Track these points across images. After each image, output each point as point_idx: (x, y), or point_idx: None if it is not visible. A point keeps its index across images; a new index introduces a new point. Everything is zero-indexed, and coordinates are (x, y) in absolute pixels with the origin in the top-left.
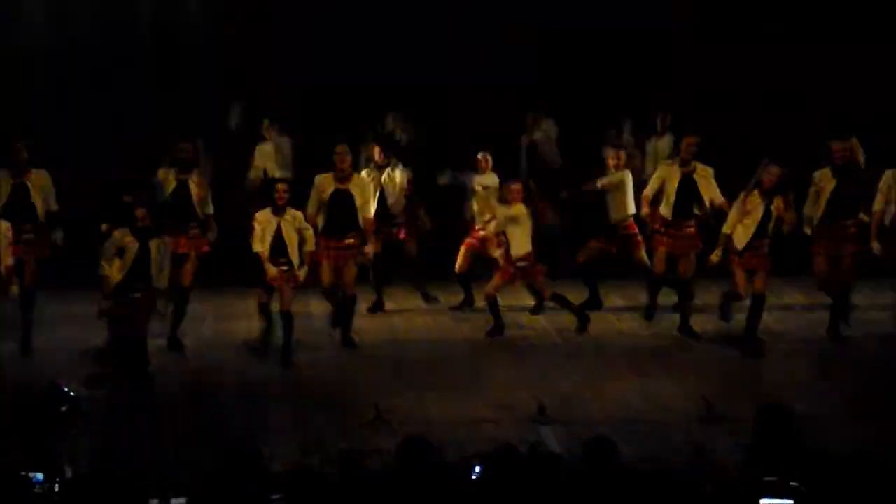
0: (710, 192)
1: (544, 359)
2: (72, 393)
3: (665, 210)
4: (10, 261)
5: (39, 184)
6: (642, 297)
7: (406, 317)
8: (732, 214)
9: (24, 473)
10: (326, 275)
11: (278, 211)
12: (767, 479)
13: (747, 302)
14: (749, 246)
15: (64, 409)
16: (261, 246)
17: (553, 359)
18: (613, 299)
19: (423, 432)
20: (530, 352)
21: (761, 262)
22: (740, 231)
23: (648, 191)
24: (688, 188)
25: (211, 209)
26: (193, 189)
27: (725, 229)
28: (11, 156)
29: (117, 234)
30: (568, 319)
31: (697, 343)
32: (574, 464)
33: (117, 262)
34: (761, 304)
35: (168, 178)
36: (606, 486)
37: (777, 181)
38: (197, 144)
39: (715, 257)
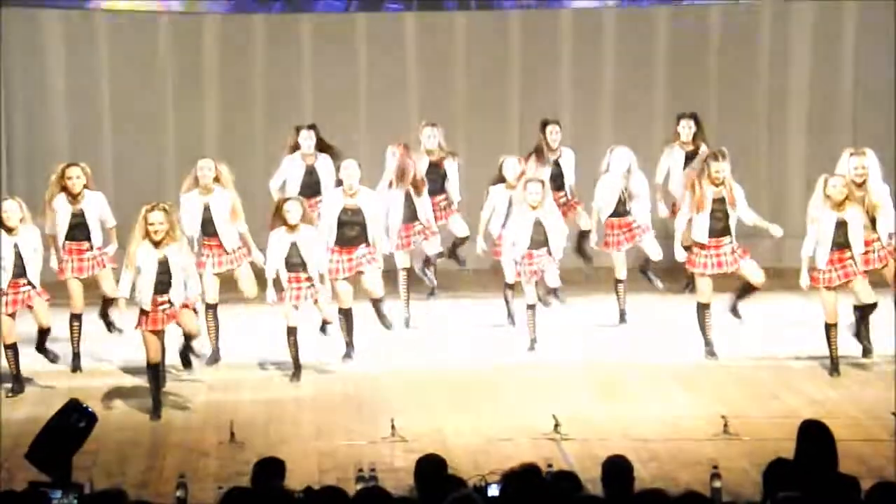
0: None
1: (560, 376)
2: (90, 409)
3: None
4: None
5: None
6: (658, 314)
7: (420, 333)
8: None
9: (42, 489)
10: (344, 292)
11: (291, 228)
12: (784, 494)
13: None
14: (829, 262)
15: (82, 424)
16: (274, 270)
17: (569, 376)
18: (628, 316)
19: (439, 450)
20: (545, 369)
21: (846, 273)
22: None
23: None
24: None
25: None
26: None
27: (806, 252)
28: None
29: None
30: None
31: (717, 362)
32: (590, 482)
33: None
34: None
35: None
36: None
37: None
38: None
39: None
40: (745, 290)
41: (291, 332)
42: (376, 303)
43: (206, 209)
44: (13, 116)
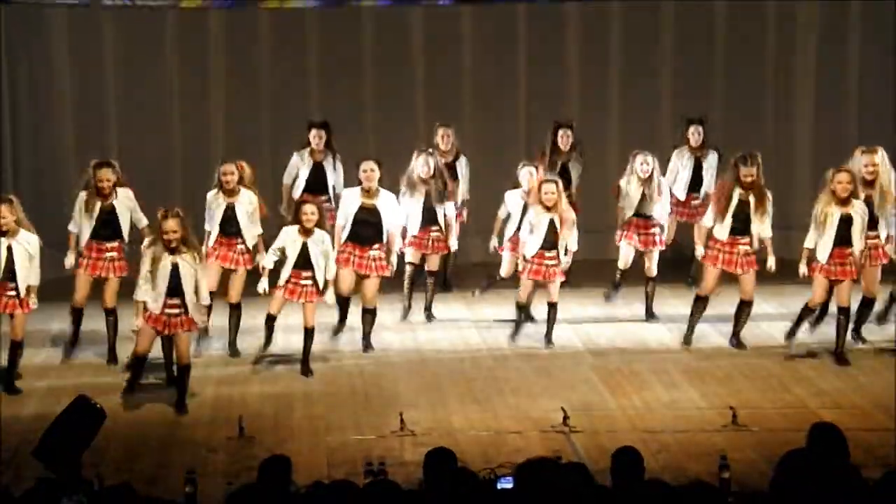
0: None
1: (568, 368)
2: (98, 406)
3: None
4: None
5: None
6: (667, 307)
7: (429, 327)
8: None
9: (51, 489)
10: (345, 282)
11: (306, 231)
12: (792, 489)
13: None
14: (830, 256)
15: (91, 421)
16: (272, 260)
17: (577, 368)
18: (637, 309)
19: (448, 443)
20: (554, 362)
21: (844, 272)
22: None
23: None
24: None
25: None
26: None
27: (808, 244)
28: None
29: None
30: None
31: (726, 353)
32: (600, 474)
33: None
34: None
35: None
36: (632, 497)
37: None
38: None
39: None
40: (739, 313)
41: (309, 333)
42: (366, 312)
43: (231, 209)
44: (19, 113)
